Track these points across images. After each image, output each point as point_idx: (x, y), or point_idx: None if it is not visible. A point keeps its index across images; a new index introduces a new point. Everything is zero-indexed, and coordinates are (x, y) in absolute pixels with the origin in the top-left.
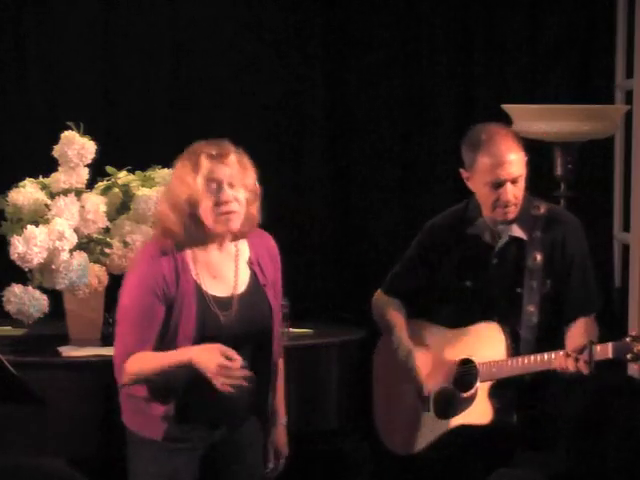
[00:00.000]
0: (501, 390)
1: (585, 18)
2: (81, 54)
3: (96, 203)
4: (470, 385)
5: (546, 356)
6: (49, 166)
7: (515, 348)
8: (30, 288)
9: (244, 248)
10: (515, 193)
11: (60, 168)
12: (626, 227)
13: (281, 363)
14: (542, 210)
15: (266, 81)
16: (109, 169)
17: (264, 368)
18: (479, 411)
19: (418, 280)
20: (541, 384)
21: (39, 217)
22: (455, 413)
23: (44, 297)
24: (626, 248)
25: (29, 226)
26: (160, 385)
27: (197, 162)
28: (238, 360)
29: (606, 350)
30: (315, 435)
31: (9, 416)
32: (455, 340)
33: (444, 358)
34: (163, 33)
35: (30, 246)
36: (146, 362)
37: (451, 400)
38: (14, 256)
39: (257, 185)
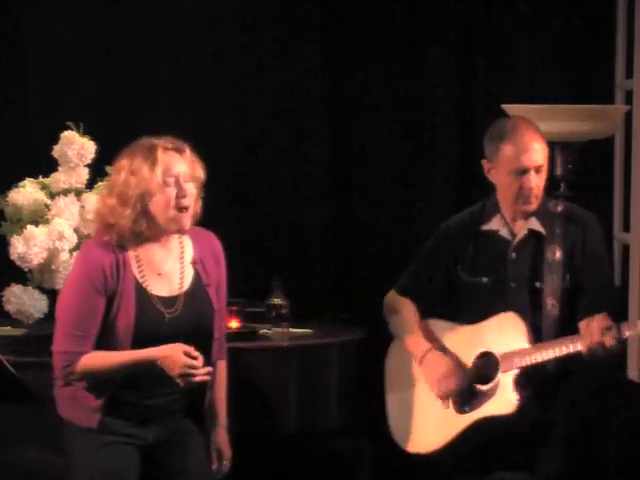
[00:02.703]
0: (525, 380)
1: (585, 18)
2: (81, 54)
3: (96, 203)
4: (491, 377)
5: (569, 340)
6: (49, 166)
7: (536, 339)
8: (30, 288)
9: (188, 247)
10: (537, 183)
11: (60, 168)
12: (626, 227)
13: (222, 365)
14: (560, 208)
15: (267, 85)
16: (109, 169)
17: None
18: (502, 401)
19: (432, 280)
20: (564, 377)
21: (39, 217)
22: (475, 407)
23: (44, 297)
24: (626, 248)
25: (29, 226)
26: (100, 380)
27: (154, 156)
28: (200, 358)
29: (635, 326)
30: (315, 435)
31: (9, 416)
32: (474, 335)
33: (461, 357)
34: (163, 34)
35: (30, 246)
36: (103, 360)
37: (472, 394)
38: (14, 256)
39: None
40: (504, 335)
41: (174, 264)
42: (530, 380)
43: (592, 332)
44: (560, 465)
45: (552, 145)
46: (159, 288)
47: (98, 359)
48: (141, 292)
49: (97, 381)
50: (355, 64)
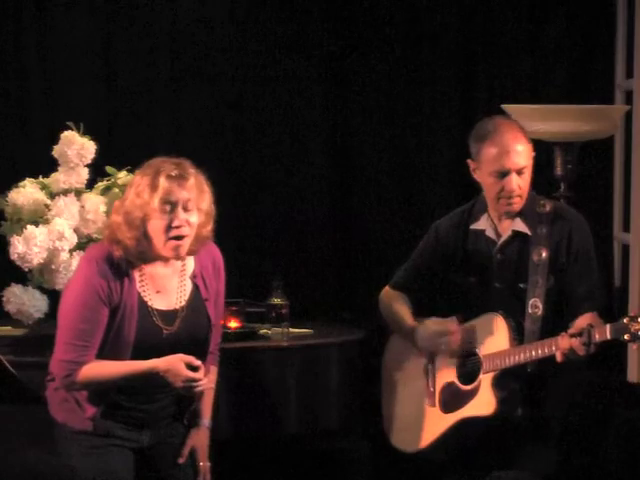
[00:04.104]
0: (505, 381)
1: (585, 19)
2: (81, 54)
3: (96, 203)
4: (473, 378)
5: (546, 342)
6: (49, 166)
7: (519, 340)
8: (30, 288)
9: (189, 261)
10: (520, 184)
11: (60, 168)
12: (626, 227)
13: (214, 370)
14: (547, 208)
15: (268, 87)
16: (109, 169)
17: None
18: (483, 402)
19: (424, 278)
20: (544, 377)
21: (39, 217)
22: (458, 406)
23: (44, 297)
24: (626, 248)
25: (29, 226)
26: (100, 389)
27: (156, 181)
28: (201, 368)
29: (604, 331)
30: (315, 435)
31: (9, 416)
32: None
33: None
34: (163, 35)
35: (30, 246)
36: (105, 370)
37: (456, 394)
38: (14, 256)
39: (212, 207)
40: (487, 336)
41: (174, 279)
42: (510, 380)
43: (564, 339)
44: (555, 464)
45: (552, 145)
46: (159, 302)
47: (100, 369)
48: (143, 306)
49: (97, 390)
50: (355, 64)
